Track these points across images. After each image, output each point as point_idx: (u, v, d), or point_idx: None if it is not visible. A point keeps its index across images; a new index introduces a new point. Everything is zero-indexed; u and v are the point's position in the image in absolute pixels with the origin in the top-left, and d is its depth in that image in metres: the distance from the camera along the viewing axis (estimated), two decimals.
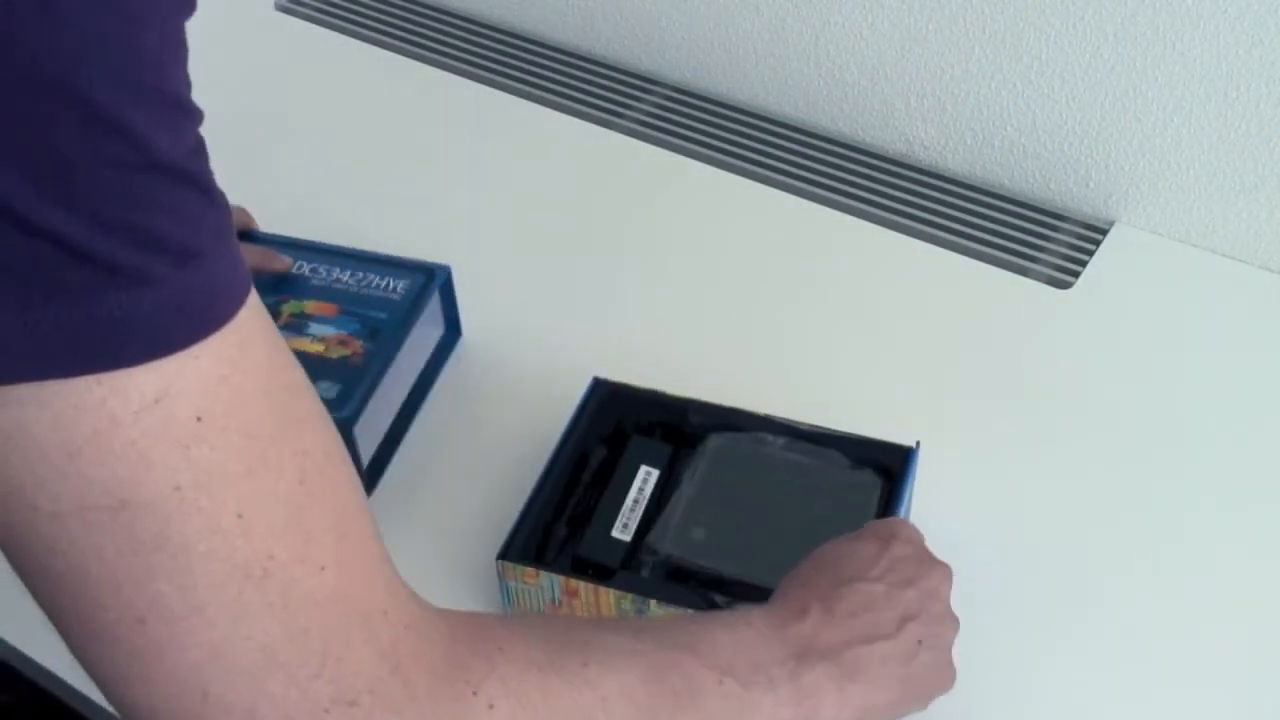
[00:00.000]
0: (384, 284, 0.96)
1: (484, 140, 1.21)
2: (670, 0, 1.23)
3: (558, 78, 1.28)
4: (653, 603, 0.77)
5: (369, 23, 1.36)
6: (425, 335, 0.98)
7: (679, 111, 1.24)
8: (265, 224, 1.12)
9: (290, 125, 1.24)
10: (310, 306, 0.95)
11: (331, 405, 0.87)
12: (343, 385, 0.89)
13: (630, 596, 0.77)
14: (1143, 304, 1.05)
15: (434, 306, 0.98)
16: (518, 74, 1.29)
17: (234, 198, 1.19)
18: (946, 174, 1.17)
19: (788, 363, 1.00)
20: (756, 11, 1.19)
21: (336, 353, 0.91)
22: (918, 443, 0.85)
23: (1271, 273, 1.06)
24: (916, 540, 0.74)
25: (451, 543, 0.88)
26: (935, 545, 0.88)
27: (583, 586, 0.78)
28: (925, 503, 0.91)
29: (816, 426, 0.86)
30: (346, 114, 1.25)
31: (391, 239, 1.11)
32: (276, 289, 0.96)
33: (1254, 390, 0.98)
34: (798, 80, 1.21)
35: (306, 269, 0.98)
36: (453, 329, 1.02)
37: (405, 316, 0.94)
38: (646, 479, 0.86)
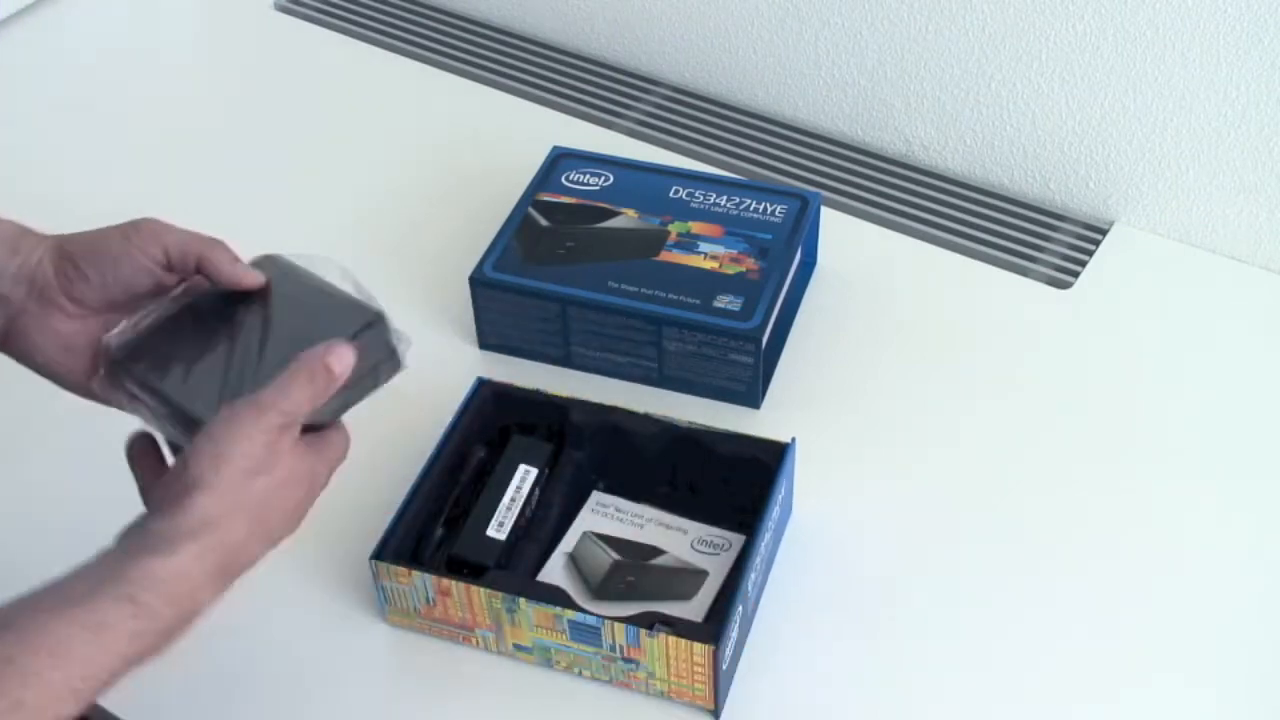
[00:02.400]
0: (761, 208, 1.02)
1: (484, 140, 1.21)
2: (670, 0, 1.23)
3: (558, 78, 1.28)
4: (523, 601, 0.78)
5: (369, 23, 1.36)
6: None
7: (679, 111, 1.24)
8: (265, 223, 1.13)
9: (289, 125, 1.24)
10: (696, 227, 1.01)
11: (737, 316, 0.94)
12: (745, 298, 0.95)
13: (502, 596, 0.78)
14: (1142, 304, 1.05)
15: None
16: (517, 74, 1.29)
17: (234, 196, 1.21)
18: (946, 174, 1.17)
19: (790, 363, 1.00)
20: (756, 11, 1.19)
21: (732, 269, 0.97)
22: (794, 439, 0.85)
23: (1271, 273, 1.06)
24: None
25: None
26: (935, 543, 0.88)
27: (455, 586, 0.79)
28: (925, 501, 0.91)
29: (693, 423, 0.87)
30: (346, 114, 1.25)
31: (391, 238, 1.11)
32: (659, 210, 1.02)
33: (1254, 390, 0.98)
34: (798, 80, 1.21)
35: (684, 193, 1.04)
36: (811, 255, 1.08)
37: (790, 237, 1.00)
38: (525, 478, 0.86)
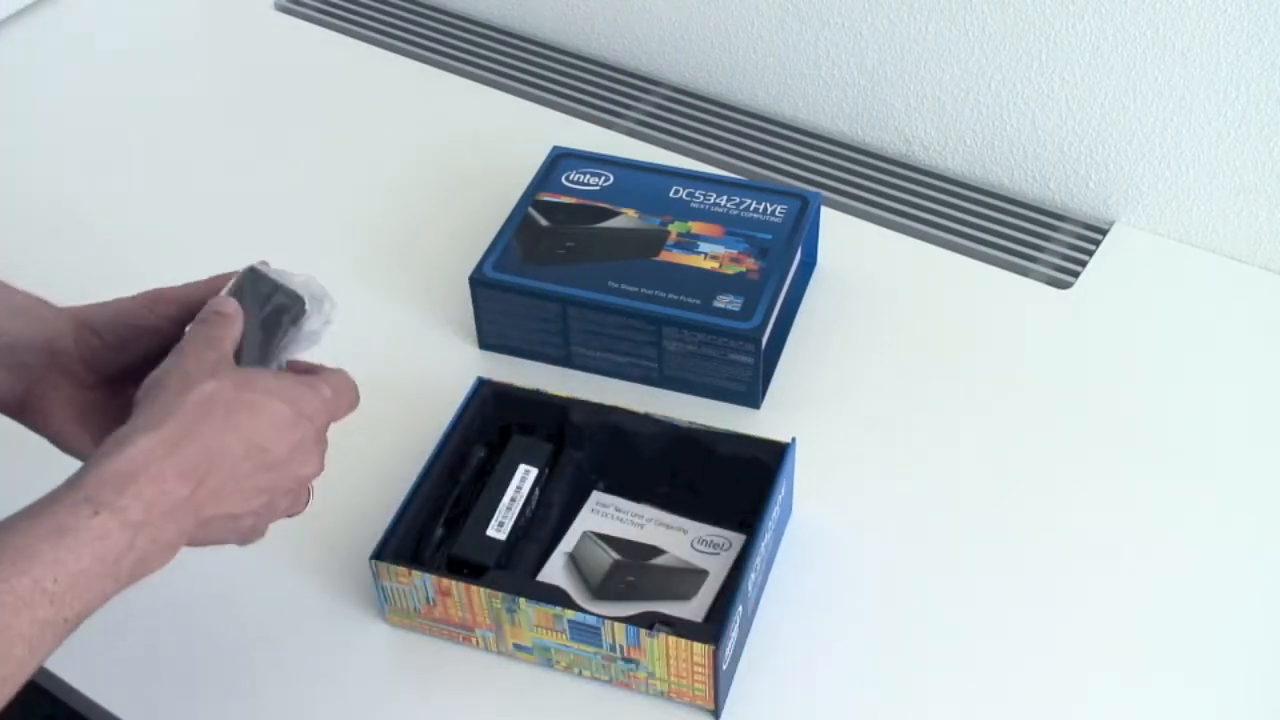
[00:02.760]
0: (761, 208, 1.02)
1: (484, 140, 1.21)
2: (670, 0, 1.23)
3: (558, 78, 1.28)
4: (523, 601, 0.78)
5: (369, 23, 1.36)
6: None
7: (679, 111, 1.24)
8: (264, 221, 1.13)
9: (289, 125, 1.24)
10: (696, 227, 1.01)
11: (737, 316, 0.93)
12: (745, 298, 0.94)
13: (502, 596, 0.78)
14: (1142, 304, 1.05)
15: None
16: (517, 74, 1.29)
17: (234, 196, 1.21)
18: (946, 174, 1.17)
19: (789, 363, 1.00)
20: (756, 11, 1.19)
21: (732, 269, 0.97)
22: (794, 439, 0.85)
23: (1271, 273, 1.06)
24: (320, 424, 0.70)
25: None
26: (935, 543, 0.88)
27: (455, 586, 0.79)
28: (925, 501, 0.91)
29: (693, 423, 0.87)
30: (346, 114, 1.25)
31: (391, 238, 1.11)
32: (659, 210, 1.02)
33: (1254, 390, 0.98)
34: (798, 80, 1.21)
35: (684, 193, 1.04)
36: (811, 255, 1.07)
37: (790, 237, 1.00)
38: (525, 477, 0.86)
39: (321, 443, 0.70)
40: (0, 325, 0.71)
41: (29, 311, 0.72)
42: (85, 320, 0.72)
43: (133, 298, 0.73)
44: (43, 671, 0.83)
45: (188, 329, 0.69)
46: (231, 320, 0.69)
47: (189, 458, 0.62)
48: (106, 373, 0.73)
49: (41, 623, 0.56)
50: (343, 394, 0.71)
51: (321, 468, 0.71)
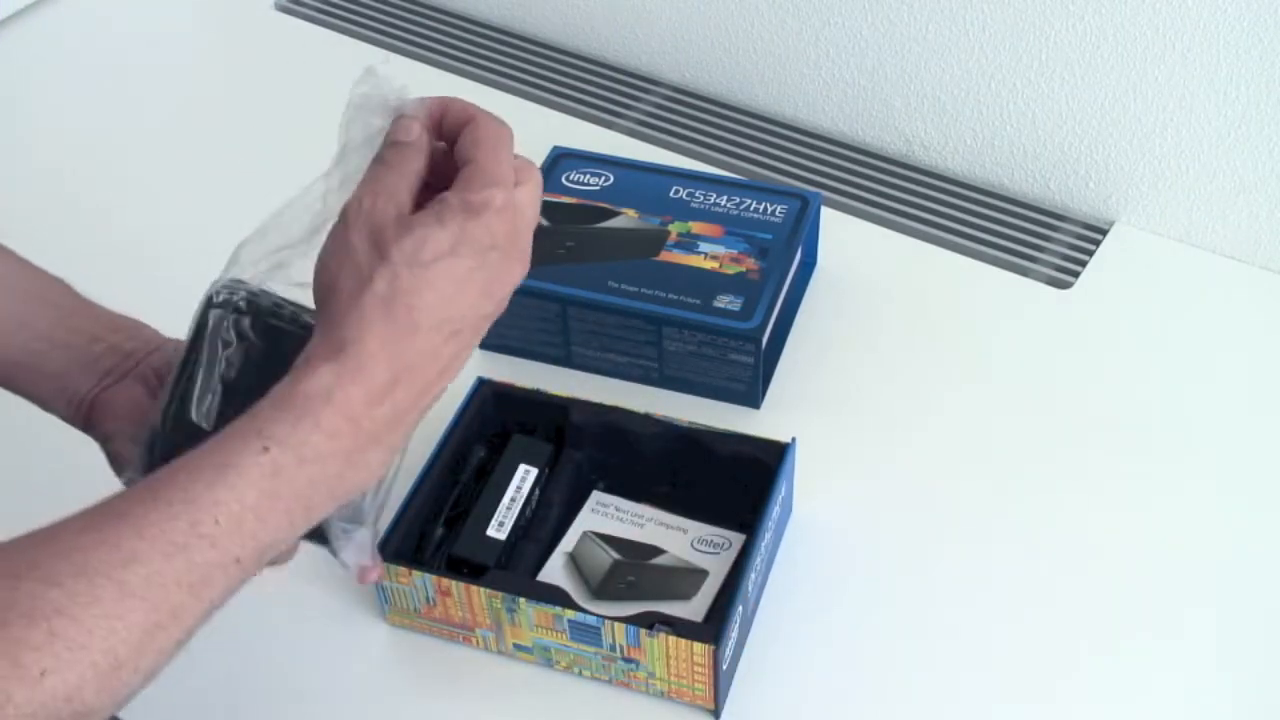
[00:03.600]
0: (761, 207, 1.02)
1: None
2: (670, 0, 1.23)
3: (558, 78, 1.28)
4: (523, 601, 0.78)
5: (369, 23, 1.36)
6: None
7: (679, 111, 1.24)
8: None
9: (289, 124, 1.24)
10: (696, 227, 1.01)
11: (737, 316, 0.94)
12: (745, 298, 0.95)
13: (502, 596, 0.78)
14: (1143, 304, 1.05)
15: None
16: (518, 74, 1.29)
17: (234, 196, 1.20)
18: (946, 174, 1.17)
19: (789, 363, 1.00)
20: (756, 11, 1.19)
21: (732, 269, 0.97)
22: (794, 439, 0.85)
23: (1271, 273, 1.06)
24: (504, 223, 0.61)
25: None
26: (935, 543, 0.88)
27: (455, 586, 0.79)
28: (925, 501, 0.91)
29: (694, 422, 0.87)
30: None
31: None
32: (659, 210, 1.02)
33: (1254, 390, 0.98)
34: (798, 80, 1.21)
35: (684, 193, 1.04)
36: (811, 255, 1.07)
37: (790, 237, 1.00)
38: (525, 477, 0.86)
39: (514, 251, 0.60)
40: (99, 334, 0.71)
41: (134, 331, 0.73)
42: (135, 328, 0.72)
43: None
44: None
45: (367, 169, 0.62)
46: (413, 152, 0.62)
47: (376, 376, 0.57)
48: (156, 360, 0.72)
49: (204, 565, 0.52)
50: (527, 185, 0.63)
51: (524, 270, 0.62)
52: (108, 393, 0.71)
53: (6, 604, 0.48)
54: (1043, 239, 1.11)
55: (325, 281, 0.59)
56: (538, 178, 0.64)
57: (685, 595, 0.84)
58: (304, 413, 0.55)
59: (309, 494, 0.56)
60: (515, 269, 0.61)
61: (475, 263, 0.59)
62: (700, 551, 0.87)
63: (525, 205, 0.61)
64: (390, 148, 0.63)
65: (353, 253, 0.58)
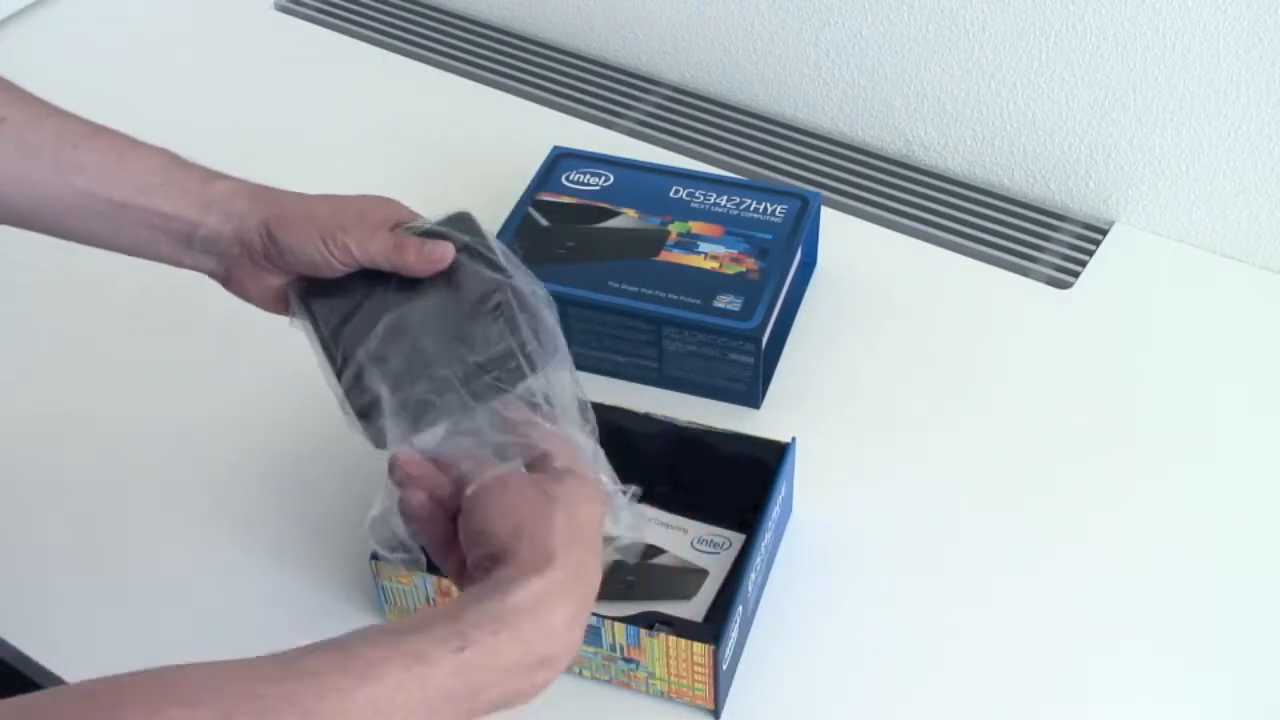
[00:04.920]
0: (761, 207, 1.02)
1: (484, 140, 1.21)
2: (670, 0, 1.23)
3: (558, 78, 1.28)
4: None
5: (369, 23, 1.36)
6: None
7: (679, 111, 1.24)
8: None
9: (289, 124, 1.24)
10: (696, 227, 1.01)
11: (737, 316, 0.93)
12: (745, 298, 0.94)
13: None
14: (1143, 304, 1.05)
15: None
16: (518, 74, 1.29)
17: None
18: (946, 174, 1.17)
19: (789, 363, 1.00)
20: (756, 11, 1.19)
21: (732, 269, 0.97)
22: (794, 439, 0.85)
23: (1271, 273, 1.06)
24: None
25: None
26: (935, 543, 0.88)
27: (454, 587, 0.78)
28: (925, 501, 0.91)
29: (693, 422, 0.87)
30: (346, 114, 1.25)
31: None
32: (659, 210, 1.02)
33: (1253, 390, 0.98)
34: (798, 80, 1.21)
35: (684, 193, 1.04)
36: (811, 255, 1.07)
37: (790, 237, 1.00)
38: None
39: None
40: (195, 217, 0.74)
41: (222, 206, 0.75)
42: (271, 232, 0.73)
43: (320, 236, 0.72)
44: (39, 670, 0.83)
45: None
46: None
47: (577, 599, 0.60)
48: (289, 271, 0.75)
49: None
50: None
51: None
52: (236, 275, 0.76)
53: None
54: (1043, 239, 1.11)
55: (531, 514, 0.63)
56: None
57: (685, 595, 0.84)
58: (504, 624, 0.58)
59: (482, 697, 0.58)
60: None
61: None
62: (700, 551, 0.86)
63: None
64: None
65: (576, 514, 0.64)
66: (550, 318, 0.70)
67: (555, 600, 0.59)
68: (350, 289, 0.73)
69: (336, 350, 0.71)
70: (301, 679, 0.53)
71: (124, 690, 0.51)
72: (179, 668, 0.53)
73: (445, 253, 0.72)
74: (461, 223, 0.74)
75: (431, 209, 1.15)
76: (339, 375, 0.70)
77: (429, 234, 0.73)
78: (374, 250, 0.72)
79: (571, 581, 0.60)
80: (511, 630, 0.57)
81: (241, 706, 0.51)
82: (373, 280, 0.72)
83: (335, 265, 0.72)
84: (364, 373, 0.69)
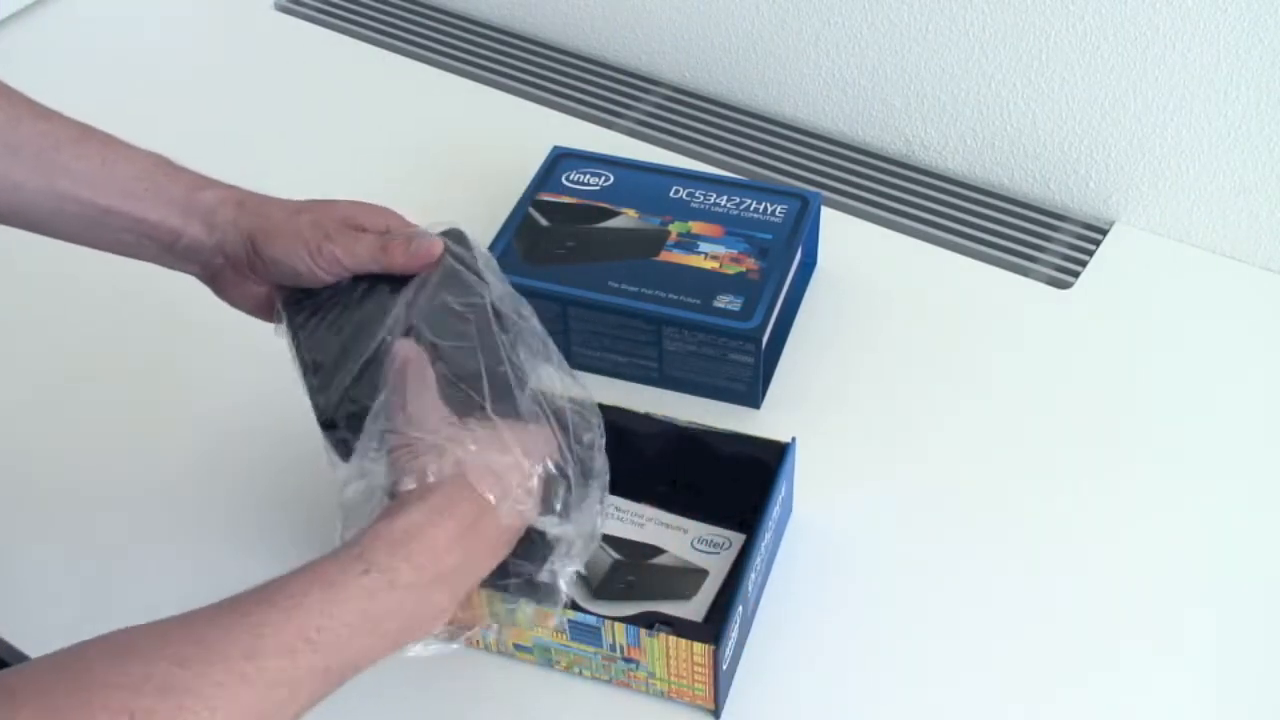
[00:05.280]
0: (761, 208, 1.02)
1: (484, 140, 1.21)
2: (670, 0, 1.23)
3: (558, 78, 1.28)
4: (523, 600, 0.77)
5: (369, 23, 1.36)
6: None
7: (679, 111, 1.24)
8: None
9: (289, 125, 1.24)
10: (696, 227, 1.01)
11: (737, 316, 0.93)
12: (745, 298, 0.94)
13: (502, 595, 0.77)
14: (1143, 304, 1.05)
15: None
16: (518, 74, 1.29)
17: None
18: (947, 174, 1.17)
19: (789, 363, 1.00)
20: (756, 11, 1.19)
21: (732, 269, 0.97)
22: (794, 439, 0.85)
23: (1271, 273, 1.06)
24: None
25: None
26: (935, 543, 0.88)
27: None
28: (925, 501, 0.91)
29: (694, 422, 0.87)
30: (346, 114, 1.25)
31: None
32: (659, 210, 1.02)
33: (1254, 390, 0.98)
34: (798, 80, 1.21)
35: (684, 193, 1.04)
36: (811, 255, 1.08)
37: (790, 237, 1.00)
38: None
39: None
40: (177, 225, 0.75)
41: (207, 215, 0.76)
42: (256, 245, 0.75)
43: (307, 251, 0.74)
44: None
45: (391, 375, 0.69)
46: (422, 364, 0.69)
47: (457, 522, 0.64)
48: (274, 281, 0.76)
49: (305, 669, 0.58)
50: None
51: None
52: (219, 282, 0.78)
53: (143, 677, 0.54)
54: (1043, 239, 1.11)
55: (404, 445, 0.67)
56: None
57: (685, 595, 0.84)
58: (398, 544, 0.63)
59: (389, 622, 0.62)
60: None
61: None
62: (700, 551, 0.87)
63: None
64: None
65: (435, 425, 0.67)
66: (535, 326, 0.72)
67: (436, 521, 0.63)
68: (334, 299, 0.73)
69: (309, 362, 0.72)
70: (239, 616, 0.58)
71: (89, 657, 0.56)
72: (128, 630, 0.57)
73: (433, 248, 0.73)
74: (453, 237, 0.75)
75: (432, 209, 1.14)
76: (310, 389, 0.72)
77: None
78: (361, 254, 0.73)
79: (447, 503, 0.64)
80: (403, 550, 0.62)
81: (187, 652, 0.55)
82: (359, 288, 0.73)
83: (322, 277, 0.73)
84: (329, 387, 0.71)
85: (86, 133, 0.77)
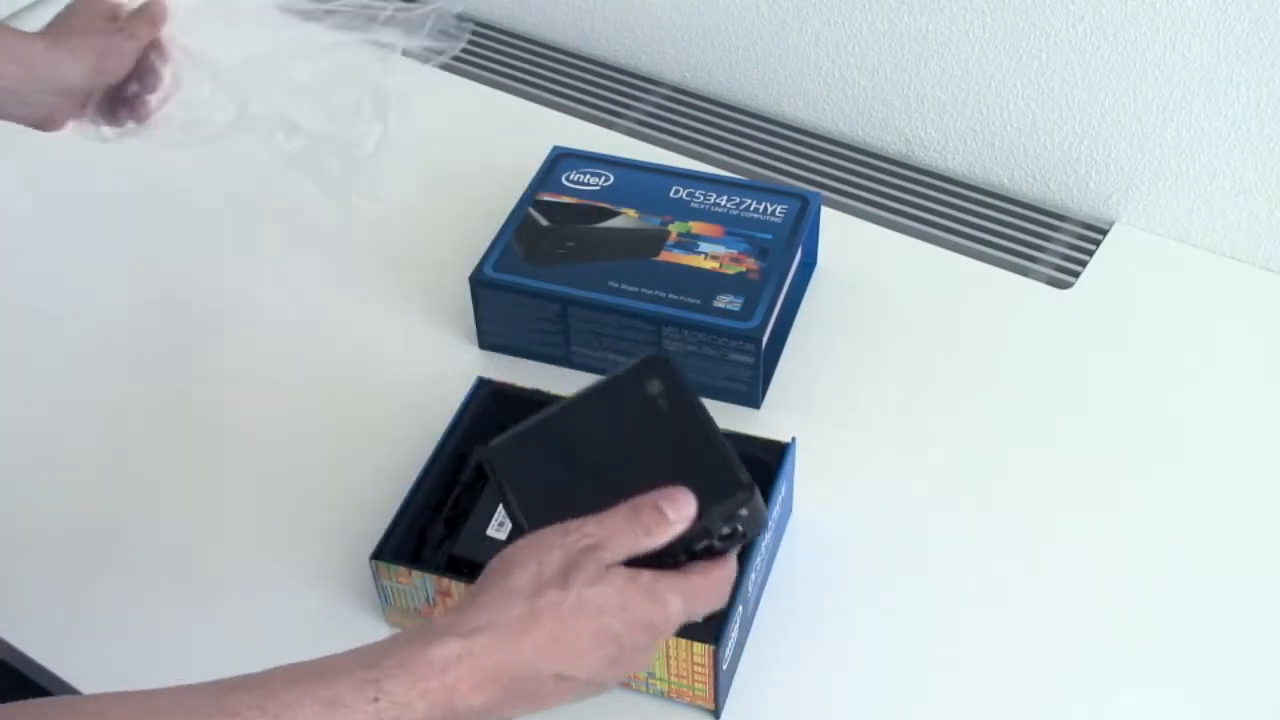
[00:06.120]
0: (761, 207, 1.02)
1: (484, 140, 1.21)
2: (670, 0, 1.23)
3: (558, 78, 1.28)
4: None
5: None
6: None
7: (679, 111, 1.25)
8: (263, 221, 1.12)
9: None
10: (696, 227, 1.01)
11: (737, 316, 0.93)
12: (745, 298, 0.94)
13: None
14: (1143, 304, 1.05)
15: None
16: (518, 74, 1.29)
17: (233, 194, 1.20)
18: (947, 174, 1.17)
19: (789, 363, 1.00)
20: (756, 11, 1.19)
21: (732, 269, 0.97)
22: (794, 439, 0.85)
23: (1271, 273, 1.06)
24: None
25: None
26: (935, 543, 0.88)
27: (455, 586, 0.79)
28: (925, 501, 0.91)
29: None
30: None
31: (391, 238, 1.11)
32: (659, 210, 1.02)
33: (1253, 390, 0.98)
34: (798, 80, 1.21)
35: (684, 193, 1.04)
36: (811, 255, 1.07)
37: (790, 237, 1.00)
38: None
39: (654, 649, 0.63)
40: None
41: (27, 62, 0.85)
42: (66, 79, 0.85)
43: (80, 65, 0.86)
44: (40, 670, 0.83)
45: (619, 516, 0.62)
46: (667, 528, 0.62)
47: (491, 673, 0.59)
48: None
49: None
50: (697, 598, 0.63)
51: (647, 666, 0.65)
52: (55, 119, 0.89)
53: None
54: (1043, 239, 1.11)
55: (504, 563, 0.62)
56: (711, 602, 0.65)
57: None
58: (420, 678, 0.57)
59: None
60: (643, 662, 0.63)
61: (623, 634, 0.61)
62: None
63: (678, 619, 0.63)
64: (638, 519, 0.63)
65: (545, 562, 0.61)
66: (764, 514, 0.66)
67: (467, 665, 0.58)
68: (542, 452, 0.68)
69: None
70: (225, 717, 0.54)
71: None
72: (103, 697, 0.54)
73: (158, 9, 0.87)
74: (656, 367, 0.71)
75: (432, 208, 1.15)
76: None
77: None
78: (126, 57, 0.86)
79: (492, 650, 0.59)
80: (422, 686, 0.57)
81: None
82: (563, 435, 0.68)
83: (111, 76, 0.87)
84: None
85: None
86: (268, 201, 1.15)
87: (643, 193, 1.04)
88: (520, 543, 0.62)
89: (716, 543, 0.64)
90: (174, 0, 0.86)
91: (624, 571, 0.61)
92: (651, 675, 0.78)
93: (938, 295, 1.06)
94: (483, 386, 0.90)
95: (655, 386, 0.70)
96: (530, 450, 0.68)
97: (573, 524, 0.62)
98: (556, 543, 0.61)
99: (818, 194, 1.04)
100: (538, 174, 1.06)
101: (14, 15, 1.36)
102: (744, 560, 0.80)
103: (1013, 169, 1.15)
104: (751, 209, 1.02)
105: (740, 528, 0.64)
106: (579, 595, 0.60)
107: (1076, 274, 1.07)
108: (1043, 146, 1.12)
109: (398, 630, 0.83)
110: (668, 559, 0.63)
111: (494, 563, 0.62)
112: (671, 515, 0.62)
